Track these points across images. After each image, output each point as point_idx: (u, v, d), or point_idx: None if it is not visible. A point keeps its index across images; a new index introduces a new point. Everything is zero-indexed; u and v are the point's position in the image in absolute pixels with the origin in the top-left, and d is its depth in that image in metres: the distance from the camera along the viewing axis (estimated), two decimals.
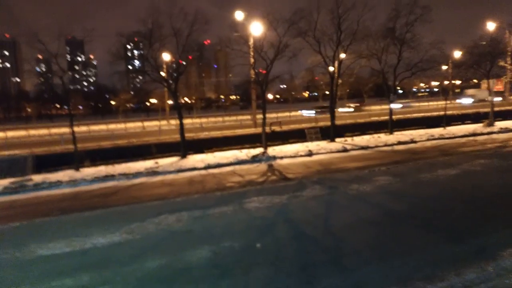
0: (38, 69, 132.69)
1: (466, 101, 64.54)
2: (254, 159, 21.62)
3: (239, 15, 29.48)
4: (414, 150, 22.93)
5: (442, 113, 35.24)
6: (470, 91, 72.62)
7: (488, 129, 29.70)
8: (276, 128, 31.03)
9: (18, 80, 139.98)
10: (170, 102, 61.38)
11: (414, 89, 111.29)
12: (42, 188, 17.28)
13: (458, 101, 64.77)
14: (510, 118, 35.06)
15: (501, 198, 11.72)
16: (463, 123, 35.86)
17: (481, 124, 32.30)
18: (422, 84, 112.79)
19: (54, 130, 45.92)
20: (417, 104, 64.59)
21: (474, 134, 27.91)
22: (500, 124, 31.25)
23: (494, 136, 27.34)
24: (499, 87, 35.41)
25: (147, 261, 8.19)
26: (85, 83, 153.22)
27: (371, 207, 11.42)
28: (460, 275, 6.78)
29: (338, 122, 29.74)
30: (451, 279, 6.64)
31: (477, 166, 16.53)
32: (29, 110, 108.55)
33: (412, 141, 25.73)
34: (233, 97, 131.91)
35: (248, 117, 49.59)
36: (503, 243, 8.11)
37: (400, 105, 58.59)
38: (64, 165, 21.34)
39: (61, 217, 12.34)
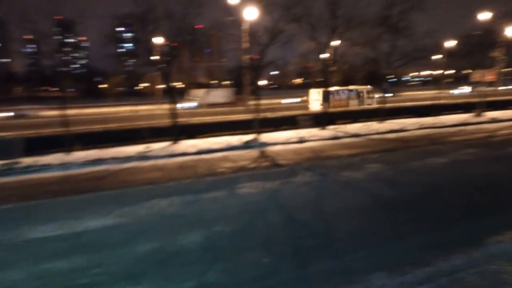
0: (28, 49, 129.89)
1: (187, 105, 49.55)
2: (246, 145, 21.64)
3: None
4: (405, 138, 23.13)
5: (433, 102, 35.47)
6: (195, 92, 54.90)
7: (478, 119, 30.04)
8: (269, 115, 30.95)
9: (7, 60, 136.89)
10: (161, 86, 60.75)
11: (408, 78, 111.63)
12: (32, 171, 17.13)
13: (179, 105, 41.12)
14: (500, 109, 35.42)
15: (488, 186, 11.95)
16: (454, 113, 36.13)
17: (471, 114, 32.62)
18: (414, 73, 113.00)
19: (44, 113, 45.34)
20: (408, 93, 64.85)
21: (464, 124, 28.20)
22: (489, 114, 31.58)
23: (483, 126, 27.67)
24: (491, 77, 35.76)
25: (139, 244, 8.24)
26: (75, 66, 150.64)
27: (361, 193, 11.57)
28: (447, 260, 6.94)
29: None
30: (438, 264, 6.79)
31: (466, 155, 16.80)
32: (17, 91, 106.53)
33: (403, 130, 25.92)
34: (225, 82, 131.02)
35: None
36: (490, 229, 8.29)
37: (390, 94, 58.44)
38: (55, 148, 21.05)
39: (52, 200, 12.27)
